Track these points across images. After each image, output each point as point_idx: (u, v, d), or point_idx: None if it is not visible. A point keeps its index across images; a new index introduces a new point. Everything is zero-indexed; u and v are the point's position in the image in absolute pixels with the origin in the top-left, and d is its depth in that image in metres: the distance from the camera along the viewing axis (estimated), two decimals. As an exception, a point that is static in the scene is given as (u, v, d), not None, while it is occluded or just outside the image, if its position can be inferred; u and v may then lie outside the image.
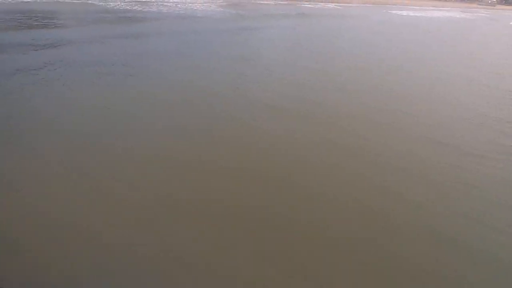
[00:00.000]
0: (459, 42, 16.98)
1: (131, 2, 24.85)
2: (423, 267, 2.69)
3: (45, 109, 5.24)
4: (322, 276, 2.55)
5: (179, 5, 25.39)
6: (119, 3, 23.93)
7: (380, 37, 16.57)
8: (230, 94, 6.40)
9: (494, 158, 4.43)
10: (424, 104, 6.49)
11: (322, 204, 3.33)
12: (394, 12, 35.48)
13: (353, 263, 2.67)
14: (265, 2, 35.16)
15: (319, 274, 2.56)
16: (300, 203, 3.33)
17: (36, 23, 13.67)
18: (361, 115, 5.66)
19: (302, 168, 3.96)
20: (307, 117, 5.47)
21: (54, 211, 3.02)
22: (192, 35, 13.29)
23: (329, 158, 4.20)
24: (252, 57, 9.95)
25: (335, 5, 38.43)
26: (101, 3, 22.43)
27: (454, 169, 4.08)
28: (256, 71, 8.27)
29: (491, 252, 2.88)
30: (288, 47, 12.09)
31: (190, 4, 26.58)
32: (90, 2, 22.57)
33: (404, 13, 35.01)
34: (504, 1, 74.33)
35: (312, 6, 35.98)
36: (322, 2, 42.14)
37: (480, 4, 72.59)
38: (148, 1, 26.12)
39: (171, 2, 26.98)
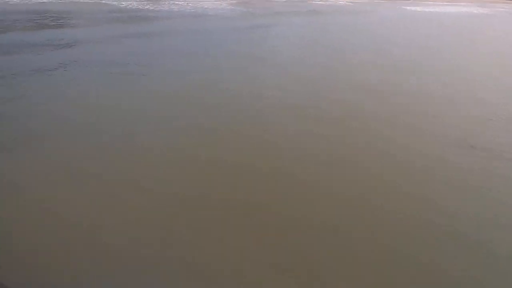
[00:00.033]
0: (479, 38, 16.39)
1: (142, 1, 24.94)
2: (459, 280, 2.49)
3: (59, 109, 5.24)
4: (339, 277, 2.39)
5: (190, 4, 25.36)
6: (131, 2, 24.05)
7: (396, 33, 16.15)
8: (245, 92, 6.28)
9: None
10: (450, 104, 6.19)
11: (346, 209, 3.16)
12: (408, 8, 34.63)
13: (372, 267, 2.50)
14: (276, 0, 34.84)
15: (336, 276, 2.40)
16: (323, 205, 3.17)
17: (51, 23, 13.82)
18: (384, 115, 5.43)
19: (323, 169, 3.79)
20: (326, 116, 5.29)
21: (64, 211, 2.98)
22: (204, 33, 13.19)
23: (350, 160, 4.02)
24: (265, 55, 9.79)
25: (346, 2, 37.76)
26: (114, 3, 22.57)
27: (488, 174, 3.84)
28: (270, 70, 8.12)
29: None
30: (302, 45, 11.88)
31: (201, 3, 26.52)
32: (103, 2, 22.75)
33: (419, 8, 34.13)
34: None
35: (323, 3, 35.43)
36: (333, -2, 41.53)
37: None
38: (160, 0, 26.18)
39: (182, 1, 26.98)
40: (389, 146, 4.38)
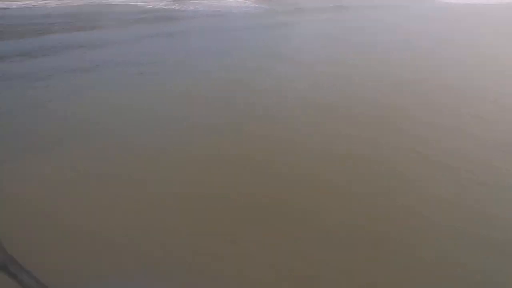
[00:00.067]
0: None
1: (168, 1, 25.43)
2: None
3: (90, 109, 5.35)
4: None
5: (215, 3, 25.52)
6: (158, 3, 24.58)
7: (433, 29, 15.30)
8: (272, 92, 6.14)
9: None
10: (494, 106, 5.71)
11: (384, 217, 2.95)
12: (442, 0, 32.80)
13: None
14: (301, -4, 34.26)
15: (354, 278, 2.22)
16: (347, 208, 2.98)
17: (84, 25, 14.39)
18: (421, 116, 5.10)
19: (351, 171, 3.60)
20: (356, 116, 5.06)
21: (76, 211, 2.99)
22: (228, 32, 13.19)
23: (382, 161, 3.78)
24: (291, 54, 9.60)
25: (375, -4, 36.40)
26: (142, 4, 23.17)
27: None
28: (296, 68, 7.92)
29: None
30: (328, 43, 11.53)
31: (225, 2, 26.62)
32: (132, 3, 23.42)
33: (453, 0, 32.22)
34: None
35: (351, -3, 34.37)
36: (360, -7, 40.16)
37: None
38: (185, 0, 26.58)
39: (206, 0, 27.24)
40: (429, 149, 4.09)
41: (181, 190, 3.29)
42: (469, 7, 26.32)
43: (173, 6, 22.39)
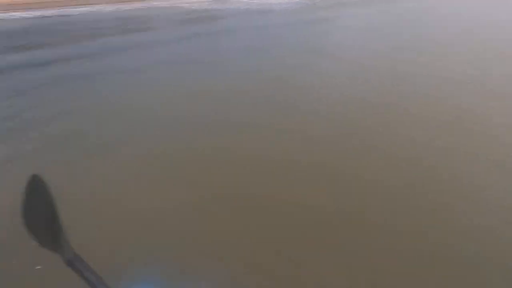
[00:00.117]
0: None
1: (211, 1, 26.08)
2: None
3: (144, 109, 5.57)
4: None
5: (256, 1, 25.64)
6: (201, 3, 25.36)
7: (500, 17, 13.87)
8: (317, 90, 6.01)
9: None
10: None
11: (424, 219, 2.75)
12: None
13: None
14: (344, -11, 33.04)
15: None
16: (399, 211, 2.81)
17: (134, 28, 15.36)
18: (505, 125, 4.44)
19: (411, 174, 3.38)
20: (414, 117, 4.74)
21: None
22: (270, 29, 13.18)
23: (443, 166, 3.51)
24: (332, 49, 9.32)
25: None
26: (186, 5, 24.11)
27: None
28: (342, 66, 7.66)
29: None
30: (375, 37, 10.97)
31: (266, -1, 26.61)
32: (177, 5, 24.47)
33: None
34: None
35: (398, -12, 32.33)
36: (409, -18, 37.54)
37: None
38: (227, -1, 27.07)
39: (247, -2, 27.47)
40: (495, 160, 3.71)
41: (239, 191, 3.30)
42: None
43: (216, 6, 22.95)
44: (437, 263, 2.37)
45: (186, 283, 2.23)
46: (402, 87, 6.01)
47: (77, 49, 10.83)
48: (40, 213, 0.63)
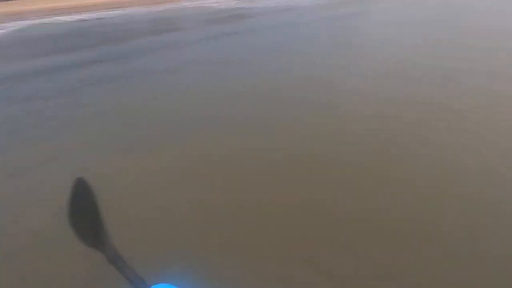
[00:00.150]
0: None
1: (239, 0, 26.23)
2: None
3: (172, 110, 5.62)
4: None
5: (284, -2, 25.42)
6: (229, 2, 25.59)
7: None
8: (357, 90, 5.69)
9: None
10: None
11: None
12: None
13: None
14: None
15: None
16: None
17: (165, 28, 15.86)
18: None
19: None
20: (460, 118, 4.41)
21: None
22: (301, 26, 13.02)
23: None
24: (366, 46, 8.98)
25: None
26: (215, 5, 24.45)
27: None
28: (375, 62, 7.36)
29: None
30: (414, 32, 10.34)
31: (294, -5, 26.29)
32: (206, 5, 24.89)
33: None
34: None
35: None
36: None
37: None
38: (255, -3, 27.09)
39: (275, -4, 27.31)
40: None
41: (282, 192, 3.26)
42: None
43: (244, 5, 23.05)
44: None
45: (222, 281, 2.25)
46: (451, 84, 5.52)
47: (111, 51, 11.38)
48: (85, 213, 0.66)
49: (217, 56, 9.23)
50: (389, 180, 3.22)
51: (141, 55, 10.34)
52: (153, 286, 0.61)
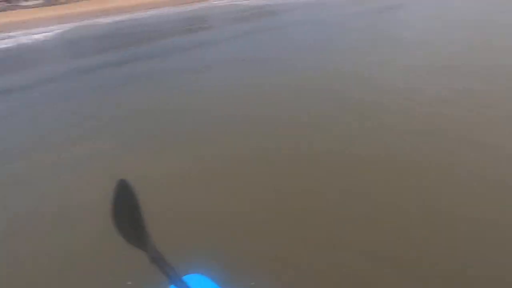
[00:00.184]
0: None
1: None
2: None
3: (206, 109, 5.59)
4: None
5: (313, -7, 24.90)
6: (258, -1, 25.60)
7: None
8: (402, 88, 5.38)
9: None
10: None
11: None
12: None
13: None
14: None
15: None
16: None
17: (196, 27, 16.22)
18: None
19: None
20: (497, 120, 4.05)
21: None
22: (335, 21, 12.71)
23: None
24: (405, 41, 8.50)
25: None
26: (244, 2, 24.50)
27: None
28: (418, 58, 6.84)
29: None
30: (456, 26, 9.50)
31: (325, -10, 25.65)
32: (235, 3, 25.03)
33: None
34: None
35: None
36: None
37: None
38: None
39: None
40: None
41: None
42: None
43: (274, 1, 22.90)
44: None
45: (259, 279, 2.25)
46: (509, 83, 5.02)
47: (146, 50, 11.82)
48: (127, 214, 0.67)
49: (251, 54, 9.15)
50: (447, 180, 3.05)
51: (173, 53, 10.63)
52: (187, 275, 0.60)
